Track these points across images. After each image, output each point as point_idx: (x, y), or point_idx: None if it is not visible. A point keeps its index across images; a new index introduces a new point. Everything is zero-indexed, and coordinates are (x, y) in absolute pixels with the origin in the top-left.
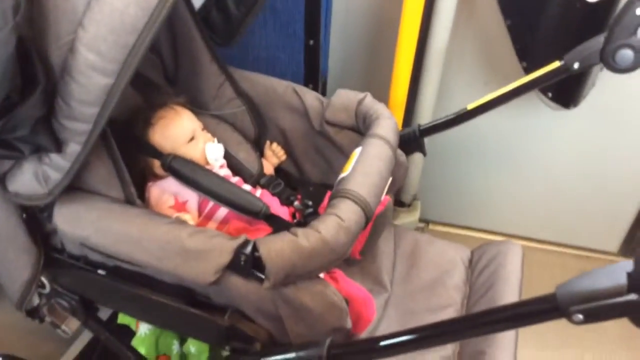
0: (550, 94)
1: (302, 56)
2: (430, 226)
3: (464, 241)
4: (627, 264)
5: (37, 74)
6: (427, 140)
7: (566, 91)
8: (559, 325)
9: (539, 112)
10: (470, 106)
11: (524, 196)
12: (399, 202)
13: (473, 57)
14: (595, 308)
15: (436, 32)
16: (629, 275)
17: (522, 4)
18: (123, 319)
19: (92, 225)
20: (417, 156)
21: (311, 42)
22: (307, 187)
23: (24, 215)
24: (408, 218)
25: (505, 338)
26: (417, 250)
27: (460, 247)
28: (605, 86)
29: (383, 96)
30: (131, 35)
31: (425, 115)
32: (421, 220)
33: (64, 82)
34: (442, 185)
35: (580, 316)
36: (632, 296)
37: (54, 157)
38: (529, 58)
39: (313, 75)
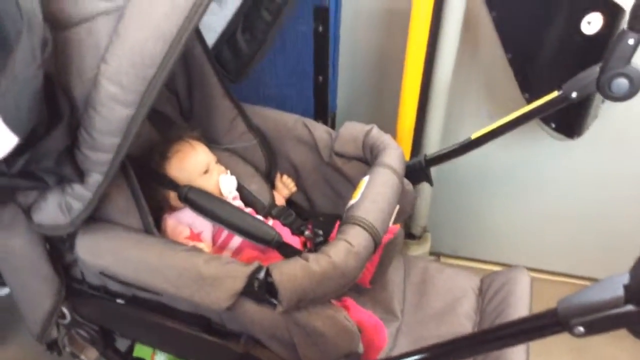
0: (553, 125)
1: (312, 93)
2: (442, 259)
3: (475, 273)
4: (624, 277)
5: (62, 108)
6: (437, 173)
7: (569, 122)
8: None
9: (545, 143)
10: (474, 136)
11: (534, 227)
12: (410, 235)
13: (477, 91)
14: (594, 320)
15: (440, 66)
16: (625, 287)
17: (522, 38)
18: (139, 352)
19: (112, 254)
20: (426, 188)
21: (320, 79)
22: (317, 217)
23: (47, 246)
24: (418, 250)
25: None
26: (428, 279)
27: (470, 275)
28: (609, 116)
29: (391, 129)
30: (150, 68)
31: (432, 147)
32: (432, 253)
33: (87, 114)
34: (453, 217)
35: (581, 329)
36: (629, 307)
37: (77, 187)
38: (530, 90)
39: (322, 110)
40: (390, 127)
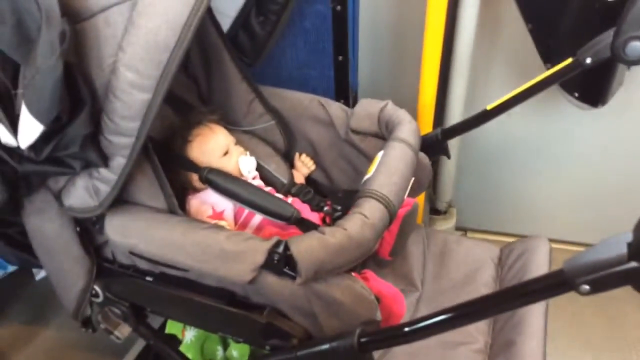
0: (576, 94)
1: (332, 72)
2: (468, 234)
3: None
4: (627, 235)
5: (83, 96)
6: (462, 148)
7: (592, 90)
8: None
9: (571, 114)
10: (489, 106)
11: (560, 199)
12: (435, 210)
13: (500, 65)
14: (599, 278)
15: (461, 40)
16: (629, 244)
17: (541, 8)
18: (170, 328)
19: (139, 234)
20: (450, 163)
21: (340, 58)
22: (336, 193)
23: (78, 229)
24: (444, 225)
25: (534, 327)
26: (447, 250)
27: (489, 246)
28: (636, 82)
29: (413, 105)
30: (164, 53)
31: (454, 122)
32: (458, 228)
33: (109, 100)
34: (478, 192)
35: (587, 287)
36: (633, 264)
37: (103, 171)
38: (552, 59)
39: (343, 89)
40: (412, 103)
